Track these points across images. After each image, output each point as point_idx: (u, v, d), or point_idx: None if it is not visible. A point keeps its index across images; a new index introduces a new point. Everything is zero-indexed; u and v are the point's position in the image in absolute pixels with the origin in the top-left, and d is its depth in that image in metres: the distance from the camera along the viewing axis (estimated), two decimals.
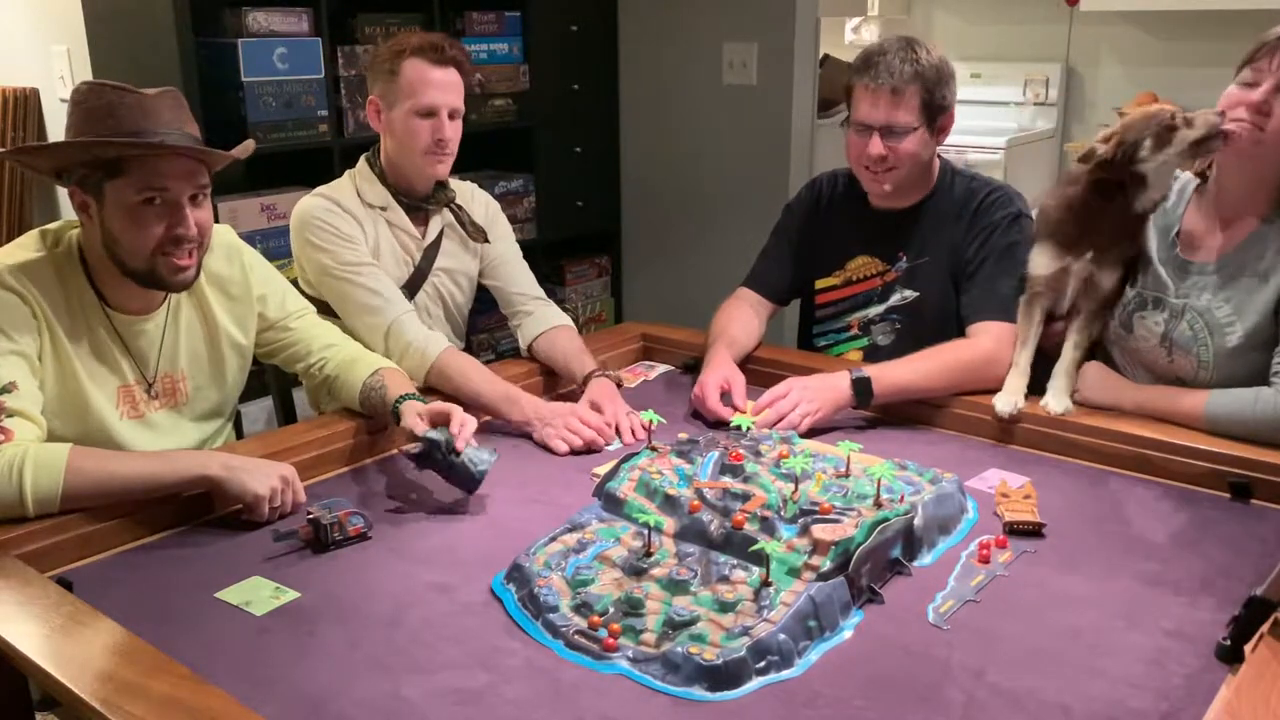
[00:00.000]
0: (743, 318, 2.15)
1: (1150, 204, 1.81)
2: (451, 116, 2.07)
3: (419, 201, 2.14)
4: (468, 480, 1.61)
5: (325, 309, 2.05)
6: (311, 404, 2.12)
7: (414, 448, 1.62)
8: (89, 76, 2.84)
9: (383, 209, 2.11)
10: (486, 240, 2.21)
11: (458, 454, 1.59)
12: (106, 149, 1.54)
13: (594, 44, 3.68)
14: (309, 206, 2.06)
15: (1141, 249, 1.86)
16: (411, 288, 2.12)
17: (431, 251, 2.16)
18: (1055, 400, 1.83)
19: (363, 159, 2.15)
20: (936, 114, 2.00)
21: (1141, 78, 4.49)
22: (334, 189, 2.10)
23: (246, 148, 1.73)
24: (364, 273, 2.02)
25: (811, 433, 1.81)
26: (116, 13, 2.80)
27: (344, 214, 2.05)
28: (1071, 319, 1.88)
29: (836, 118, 3.50)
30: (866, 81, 1.98)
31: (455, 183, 2.21)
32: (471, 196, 2.26)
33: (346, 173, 2.16)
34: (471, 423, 1.65)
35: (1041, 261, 1.88)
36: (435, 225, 2.17)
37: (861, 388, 1.87)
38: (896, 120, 1.97)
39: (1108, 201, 1.80)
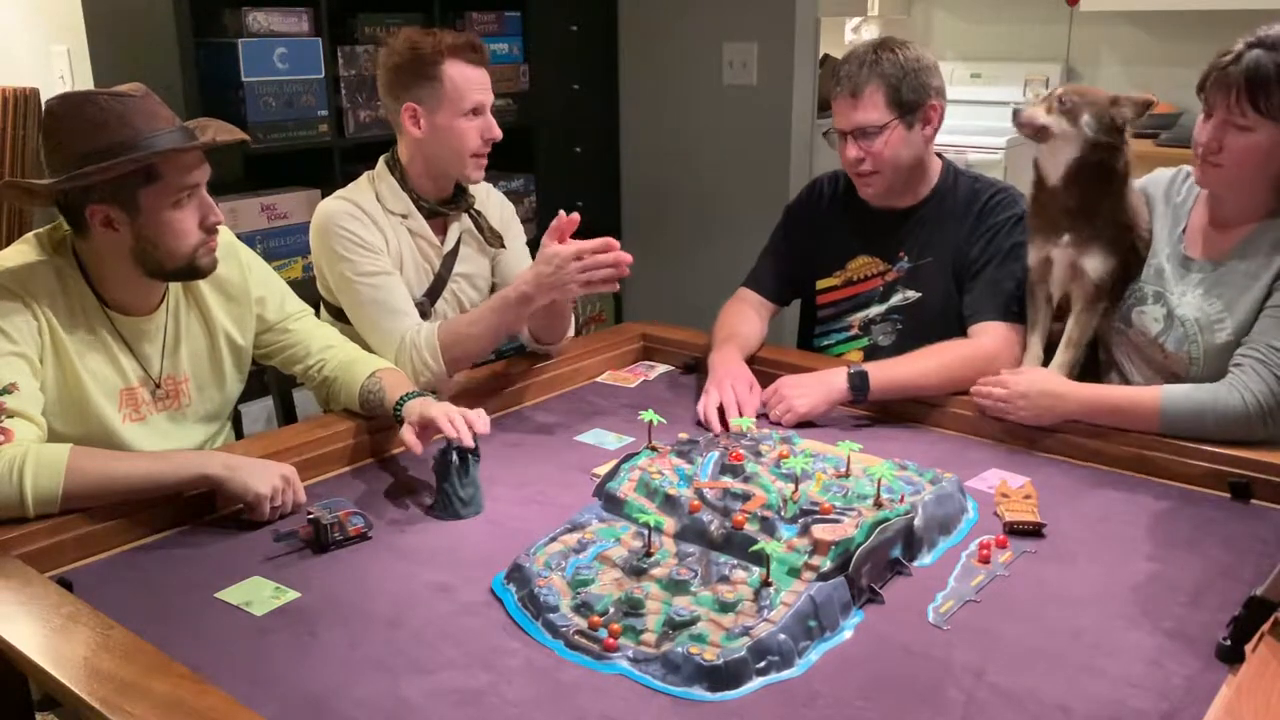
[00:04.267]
0: (747, 319, 2.15)
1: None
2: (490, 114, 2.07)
3: (439, 207, 2.09)
4: (446, 508, 1.58)
5: (343, 315, 2.02)
6: (319, 402, 2.10)
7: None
8: (89, 76, 2.85)
9: (404, 216, 2.06)
10: (503, 246, 2.17)
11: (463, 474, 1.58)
12: (152, 155, 1.53)
13: (594, 44, 3.68)
14: (331, 211, 2.00)
15: (1135, 238, 1.86)
16: (432, 296, 2.09)
17: (450, 258, 2.12)
18: None
19: (381, 162, 2.09)
20: (911, 107, 2.00)
21: (1141, 78, 4.49)
22: (355, 193, 2.05)
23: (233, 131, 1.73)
24: (381, 284, 1.97)
25: (812, 433, 1.81)
26: (116, 13, 2.80)
27: (367, 220, 2.01)
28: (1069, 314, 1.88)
29: None
30: (835, 90, 2.03)
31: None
32: (488, 198, 2.22)
33: (364, 175, 2.10)
34: (474, 423, 1.63)
35: (1030, 251, 1.91)
36: (454, 232, 2.13)
37: (858, 380, 1.88)
38: (860, 121, 1.99)
39: (1071, 182, 1.82)
